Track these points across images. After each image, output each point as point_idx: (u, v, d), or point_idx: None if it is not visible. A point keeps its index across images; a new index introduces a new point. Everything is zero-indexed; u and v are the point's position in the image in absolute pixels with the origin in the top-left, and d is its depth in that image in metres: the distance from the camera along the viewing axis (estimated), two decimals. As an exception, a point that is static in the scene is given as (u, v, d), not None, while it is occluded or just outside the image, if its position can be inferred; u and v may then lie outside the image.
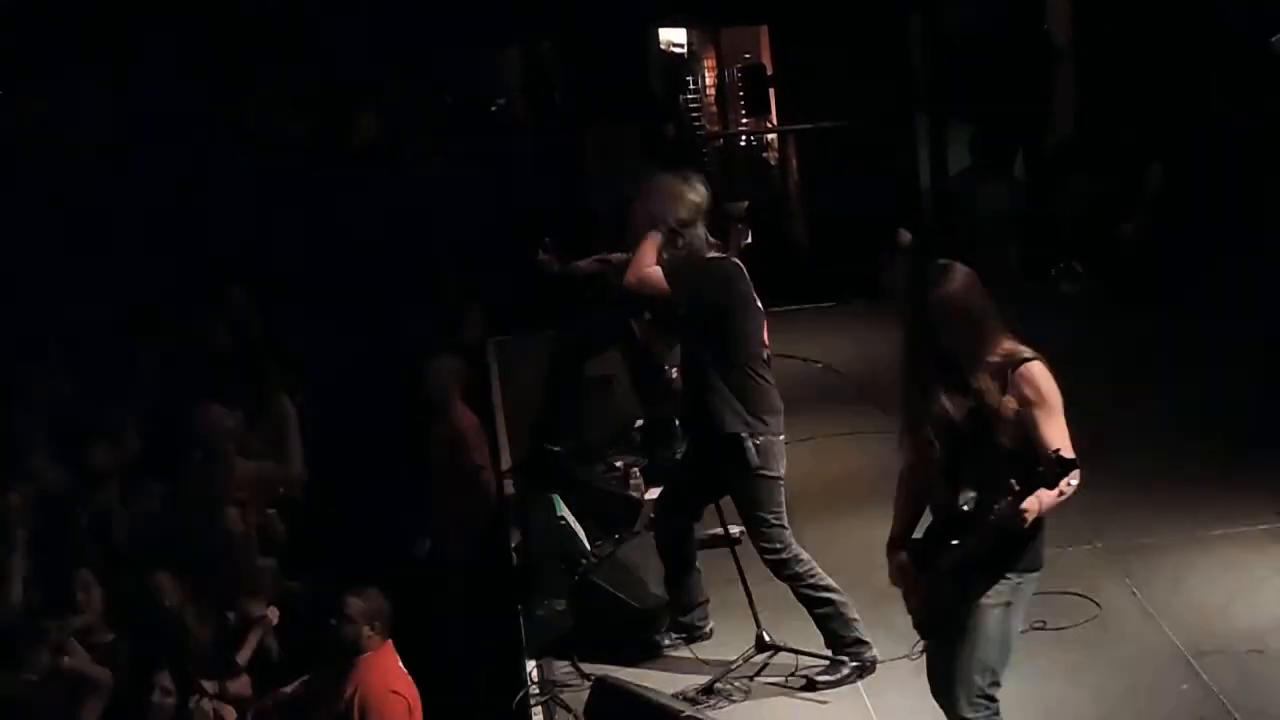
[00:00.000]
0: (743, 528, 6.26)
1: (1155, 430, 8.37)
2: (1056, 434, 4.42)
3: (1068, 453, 4.30)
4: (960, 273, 4.56)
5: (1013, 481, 4.28)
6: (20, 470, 8.45)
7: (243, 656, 6.39)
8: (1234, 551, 6.91)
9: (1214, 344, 9.54)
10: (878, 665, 6.01)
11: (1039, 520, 4.44)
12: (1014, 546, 4.51)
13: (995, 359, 4.51)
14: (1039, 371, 4.49)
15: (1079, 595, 6.44)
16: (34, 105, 13.42)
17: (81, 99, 13.29)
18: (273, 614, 7.37)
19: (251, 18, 13.66)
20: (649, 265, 6.03)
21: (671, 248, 6.08)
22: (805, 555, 6.05)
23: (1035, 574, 4.62)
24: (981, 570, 4.53)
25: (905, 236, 11.60)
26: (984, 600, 4.55)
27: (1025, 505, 4.29)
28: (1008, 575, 4.55)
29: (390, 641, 5.93)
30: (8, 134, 13.42)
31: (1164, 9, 12.72)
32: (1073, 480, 4.25)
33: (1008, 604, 4.56)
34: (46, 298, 11.62)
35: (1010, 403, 4.45)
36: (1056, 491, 4.31)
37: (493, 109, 15.46)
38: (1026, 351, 4.54)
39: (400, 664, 5.94)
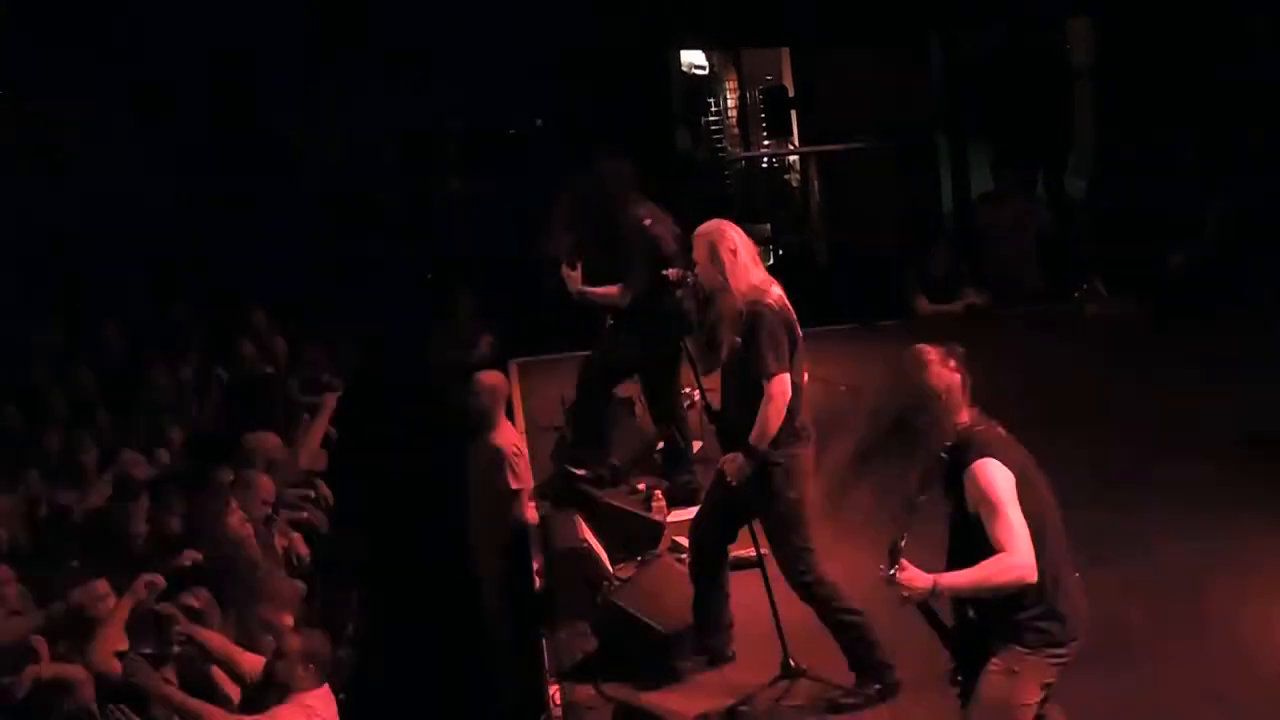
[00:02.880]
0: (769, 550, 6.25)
1: (1187, 451, 8.33)
2: (1001, 529, 4.55)
3: (1012, 545, 4.49)
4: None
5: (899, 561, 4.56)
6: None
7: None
8: (1266, 581, 6.84)
9: (1240, 365, 9.52)
10: (902, 688, 5.98)
11: (1038, 595, 4.57)
12: (1017, 621, 4.63)
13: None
14: (980, 472, 4.61)
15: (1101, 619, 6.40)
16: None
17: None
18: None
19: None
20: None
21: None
22: (830, 578, 6.05)
23: (1051, 650, 4.67)
24: (997, 637, 4.67)
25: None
26: (990, 664, 4.68)
27: (902, 580, 4.53)
28: (1016, 646, 4.65)
29: (327, 687, 5.88)
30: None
31: (1185, 29, 12.74)
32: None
33: (1012, 672, 4.65)
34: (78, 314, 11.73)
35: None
36: (970, 579, 4.53)
37: (511, 132, 15.49)
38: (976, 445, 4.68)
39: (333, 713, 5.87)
